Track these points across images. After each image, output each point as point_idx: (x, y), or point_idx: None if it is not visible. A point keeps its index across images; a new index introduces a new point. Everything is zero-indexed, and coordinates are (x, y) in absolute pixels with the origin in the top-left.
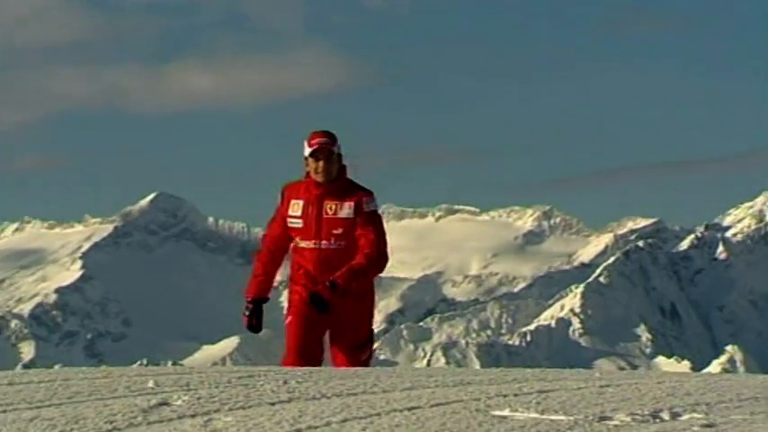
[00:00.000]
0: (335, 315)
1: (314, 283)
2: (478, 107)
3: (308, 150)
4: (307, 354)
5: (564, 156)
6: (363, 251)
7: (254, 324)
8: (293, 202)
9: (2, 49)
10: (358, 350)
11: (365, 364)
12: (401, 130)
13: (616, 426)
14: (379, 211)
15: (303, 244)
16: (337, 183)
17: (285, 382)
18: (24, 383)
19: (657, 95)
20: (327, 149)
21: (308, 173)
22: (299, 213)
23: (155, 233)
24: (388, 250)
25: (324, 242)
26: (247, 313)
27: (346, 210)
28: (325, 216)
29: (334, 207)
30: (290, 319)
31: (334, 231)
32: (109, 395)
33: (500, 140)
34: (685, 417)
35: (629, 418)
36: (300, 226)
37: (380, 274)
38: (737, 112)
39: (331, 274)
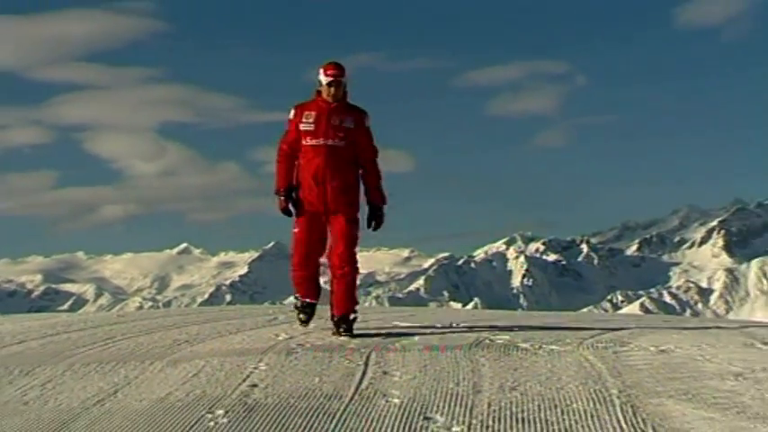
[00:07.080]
0: (334, 201)
1: (317, 184)
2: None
3: (325, 79)
4: (309, 263)
5: (420, 228)
6: (368, 160)
7: (288, 208)
8: (306, 113)
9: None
10: (352, 224)
11: (356, 237)
12: None
13: (438, 330)
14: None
15: (313, 142)
16: (342, 102)
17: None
18: (224, 312)
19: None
20: (339, 81)
21: (318, 92)
22: (311, 120)
23: (276, 256)
24: (377, 147)
25: (330, 141)
26: (283, 198)
27: (349, 121)
28: (333, 123)
29: (340, 119)
30: (296, 231)
31: (339, 134)
32: (257, 315)
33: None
34: (464, 326)
35: (440, 326)
36: (312, 128)
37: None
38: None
39: (334, 164)
